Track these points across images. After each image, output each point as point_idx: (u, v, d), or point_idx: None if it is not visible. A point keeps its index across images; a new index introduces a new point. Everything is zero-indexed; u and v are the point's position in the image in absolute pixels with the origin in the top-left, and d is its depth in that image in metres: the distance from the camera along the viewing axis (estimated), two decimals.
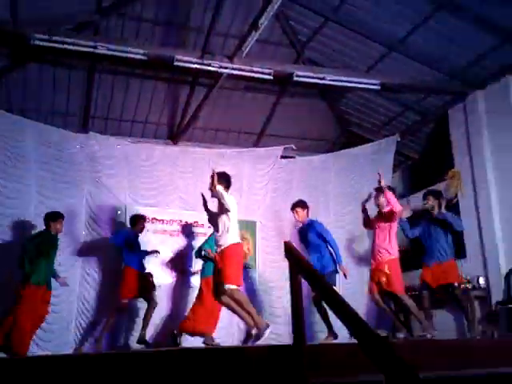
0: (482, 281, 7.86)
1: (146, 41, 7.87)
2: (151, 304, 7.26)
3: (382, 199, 6.32)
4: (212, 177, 5.40)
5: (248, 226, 8.88)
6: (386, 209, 6.27)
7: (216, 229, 5.54)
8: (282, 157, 9.54)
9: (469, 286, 7.88)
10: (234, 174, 9.02)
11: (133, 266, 7.26)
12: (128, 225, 7.83)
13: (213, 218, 5.64)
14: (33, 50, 7.34)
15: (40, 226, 7.08)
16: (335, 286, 6.60)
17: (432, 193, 6.79)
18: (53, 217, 6.83)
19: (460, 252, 8.34)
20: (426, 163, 9.86)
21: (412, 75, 8.28)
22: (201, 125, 9.50)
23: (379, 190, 6.30)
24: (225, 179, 5.59)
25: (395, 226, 6.30)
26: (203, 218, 8.51)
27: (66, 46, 6.82)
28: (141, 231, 7.62)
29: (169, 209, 8.72)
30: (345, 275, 6.71)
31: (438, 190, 7.19)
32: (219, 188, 5.38)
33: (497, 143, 7.97)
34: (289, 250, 3.71)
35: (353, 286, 8.36)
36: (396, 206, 6.10)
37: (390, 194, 6.12)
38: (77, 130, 8.62)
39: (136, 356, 3.67)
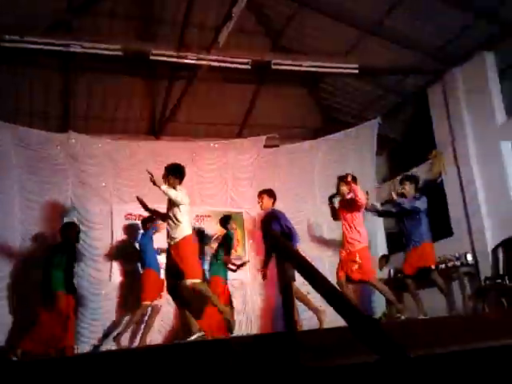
0: (469, 257, 7.93)
1: (120, 36, 7.78)
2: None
3: (343, 187, 6.34)
4: (153, 180, 5.46)
5: (235, 217, 8.87)
6: (348, 196, 6.29)
7: (167, 222, 5.55)
8: (266, 146, 9.52)
9: (457, 263, 7.96)
10: (219, 166, 9.13)
11: (153, 268, 7.27)
12: (114, 224, 7.78)
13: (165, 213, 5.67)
14: (6, 52, 7.23)
15: (24, 230, 7.29)
16: (294, 280, 6.34)
17: (408, 178, 6.84)
18: (68, 228, 7.06)
19: (446, 230, 8.43)
20: (409, 144, 9.89)
21: (389, 57, 8.29)
22: (182, 119, 9.44)
23: (342, 180, 6.33)
24: (178, 172, 5.63)
25: (360, 214, 6.34)
26: (191, 212, 8.57)
27: (39, 46, 6.75)
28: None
29: (157, 205, 8.65)
30: None
31: (414, 176, 7.20)
32: (164, 188, 5.42)
33: (476, 119, 8.03)
34: (275, 239, 3.72)
35: None
36: (362, 198, 6.13)
37: (355, 186, 6.15)
38: (57, 131, 8.51)
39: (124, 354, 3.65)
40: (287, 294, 3.37)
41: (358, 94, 9.69)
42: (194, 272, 5.28)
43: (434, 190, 8.73)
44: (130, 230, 8.22)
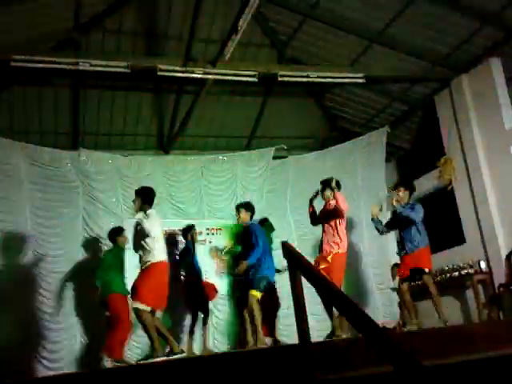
0: (483, 264, 7.87)
1: (127, 53, 7.89)
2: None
3: (327, 193, 6.33)
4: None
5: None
6: (332, 204, 6.26)
7: (139, 248, 5.50)
8: (275, 157, 9.54)
9: (470, 270, 7.89)
10: (228, 178, 9.16)
11: (198, 275, 7.51)
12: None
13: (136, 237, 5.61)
14: (15, 72, 7.34)
15: (35, 246, 7.45)
16: (261, 291, 6.19)
17: (403, 184, 6.64)
18: (116, 232, 7.25)
19: (459, 237, 8.37)
20: (418, 152, 9.88)
21: (395, 65, 8.31)
22: (190, 132, 9.47)
23: (326, 184, 6.33)
24: (146, 196, 5.61)
25: (343, 221, 6.30)
26: (201, 225, 8.59)
27: (47, 65, 6.84)
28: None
29: (166, 219, 8.69)
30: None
31: (409, 182, 6.99)
32: (139, 215, 5.43)
33: (485, 125, 8.01)
34: (287, 250, 3.71)
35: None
36: (344, 205, 6.11)
37: (338, 194, 6.12)
38: (67, 148, 8.59)
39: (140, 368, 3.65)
40: (299, 304, 3.35)
41: (365, 103, 9.70)
42: (144, 297, 5.19)
43: (445, 198, 8.71)
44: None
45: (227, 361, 3.57)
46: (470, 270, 7.90)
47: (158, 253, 5.38)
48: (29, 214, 7.70)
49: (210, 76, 7.64)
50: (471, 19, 7.27)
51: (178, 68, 7.40)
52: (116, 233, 7.24)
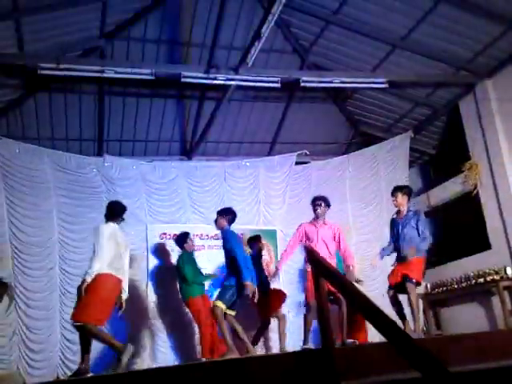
0: (509, 271, 7.73)
1: (151, 60, 8.02)
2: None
3: (323, 208, 6.27)
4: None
5: (268, 235, 8.88)
6: (328, 224, 6.31)
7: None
8: (297, 163, 9.55)
9: (496, 276, 7.77)
10: (250, 183, 9.20)
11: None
12: (149, 243, 7.93)
13: None
14: (42, 80, 7.52)
15: (61, 251, 7.52)
16: (226, 303, 5.68)
17: (399, 189, 6.22)
18: (182, 238, 7.41)
19: (484, 243, 8.26)
20: (443, 157, 9.79)
21: (419, 70, 8.26)
22: (213, 138, 9.56)
23: (320, 199, 6.38)
24: (109, 211, 5.49)
25: None
26: None
27: (73, 73, 7.01)
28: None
29: (189, 224, 8.76)
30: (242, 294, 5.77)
31: (406, 186, 6.68)
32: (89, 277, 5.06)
33: (510, 130, 7.89)
34: (311, 255, 3.71)
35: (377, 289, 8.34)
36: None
37: (343, 239, 6.16)
38: (92, 154, 8.75)
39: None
40: (323, 308, 3.35)
41: (388, 108, 9.65)
42: (83, 315, 4.95)
43: (470, 203, 8.61)
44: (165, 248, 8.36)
45: (250, 365, 3.58)
46: (495, 277, 7.77)
47: (99, 264, 5.05)
48: (56, 219, 7.84)
49: (232, 82, 7.71)
50: (495, 23, 7.18)
51: (201, 75, 7.49)
52: (182, 239, 7.38)
